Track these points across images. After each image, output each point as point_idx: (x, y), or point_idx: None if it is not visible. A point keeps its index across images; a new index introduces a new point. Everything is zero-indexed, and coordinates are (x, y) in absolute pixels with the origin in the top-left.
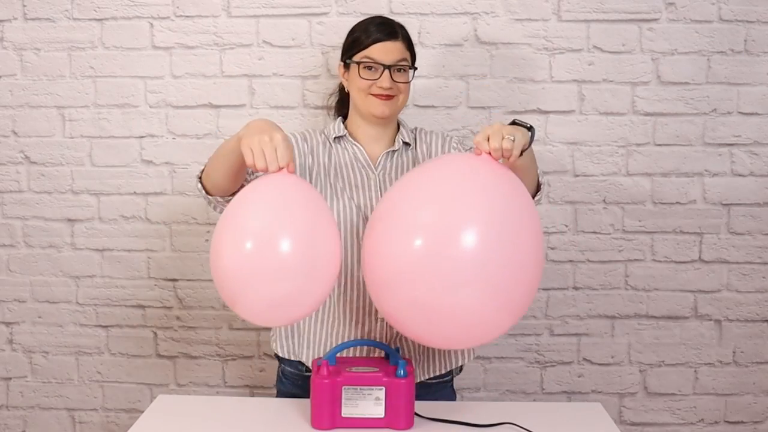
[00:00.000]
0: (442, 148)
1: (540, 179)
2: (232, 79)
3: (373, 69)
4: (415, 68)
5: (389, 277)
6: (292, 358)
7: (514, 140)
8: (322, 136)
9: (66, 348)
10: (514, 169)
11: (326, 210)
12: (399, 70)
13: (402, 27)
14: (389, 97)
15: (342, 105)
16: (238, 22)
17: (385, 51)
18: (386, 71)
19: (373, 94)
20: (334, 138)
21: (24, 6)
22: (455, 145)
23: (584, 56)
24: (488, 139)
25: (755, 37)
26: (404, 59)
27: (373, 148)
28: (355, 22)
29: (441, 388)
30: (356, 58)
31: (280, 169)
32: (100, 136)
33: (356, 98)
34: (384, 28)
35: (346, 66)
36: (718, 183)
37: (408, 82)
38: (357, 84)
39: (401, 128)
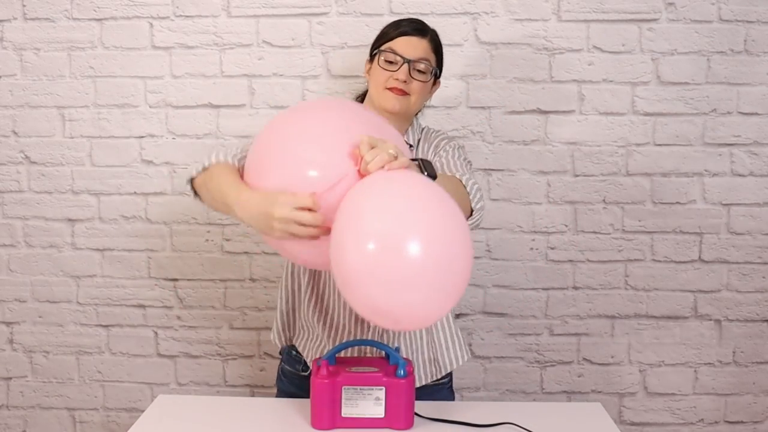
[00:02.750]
0: (435, 150)
1: (472, 205)
2: (232, 79)
3: (393, 62)
4: (437, 73)
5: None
6: (286, 344)
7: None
8: None
9: (66, 347)
10: None
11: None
12: (419, 70)
13: (434, 32)
14: (402, 93)
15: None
16: (238, 22)
17: (408, 45)
18: (405, 65)
19: (388, 88)
20: None
21: (24, 6)
22: (448, 149)
23: (584, 56)
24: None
25: (755, 37)
26: (426, 59)
27: None
28: (355, 22)
29: (438, 390)
30: (381, 47)
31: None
32: (100, 136)
33: (373, 92)
34: (414, 24)
35: (372, 59)
36: (718, 183)
37: (425, 82)
38: (376, 76)
39: (409, 129)
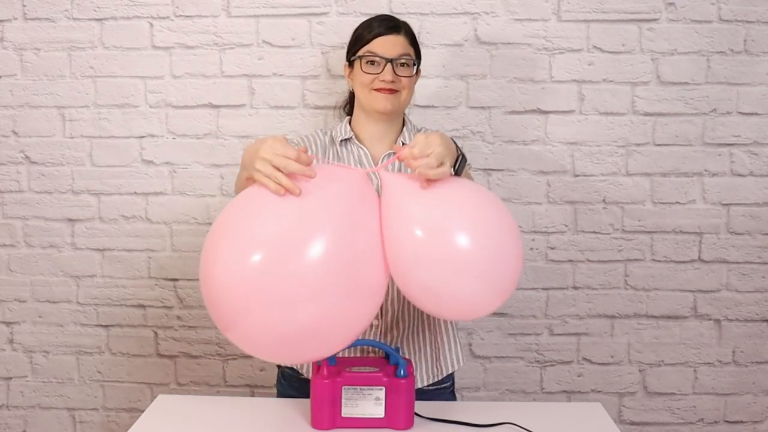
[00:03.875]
0: None
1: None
2: (232, 79)
3: (375, 63)
4: (418, 64)
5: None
6: (284, 364)
7: (441, 166)
8: (327, 136)
9: (66, 348)
10: None
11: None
12: (402, 65)
13: (406, 24)
14: (392, 92)
15: (352, 108)
16: (238, 22)
17: (387, 44)
18: (389, 65)
19: (376, 89)
20: (341, 141)
21: (24, 6)
22: None
23: (584, 56)
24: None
25: (755, 37)
26: (407, 54)
27: (377, 148)
28: (355, 22)
29: (440, 394)
30: (359, 53)
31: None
32: (101, 136)
33: (360, 95)
34: (386, 23)
35: (351, 64)
36: (717, 183)
37: (411, 77)
38: (360, 79)
39: (404, 129)
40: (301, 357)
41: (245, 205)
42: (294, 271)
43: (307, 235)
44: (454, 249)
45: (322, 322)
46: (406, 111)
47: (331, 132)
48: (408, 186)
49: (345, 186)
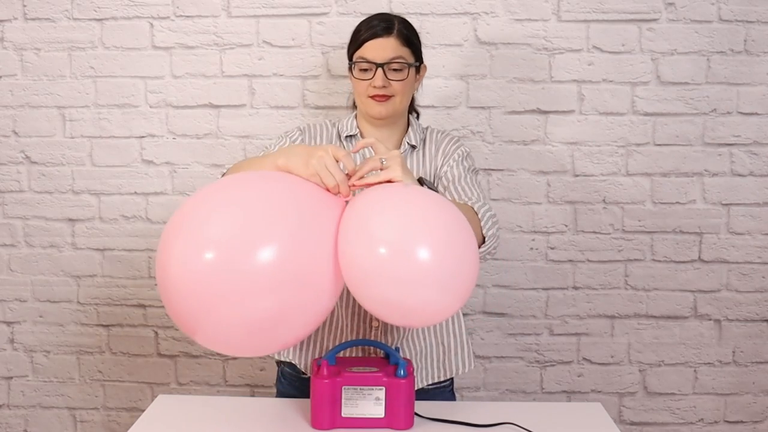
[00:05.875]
0: (443, 157)
1: (483, 232)
2: (232, 79)
3: (367, 70)
4: (417, 65)
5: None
6: (282, 359)
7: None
8: (334, 129)
9: (67, 347)
10: None
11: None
12: (394, 69)
13: (403, 22)
14: (385, 98)
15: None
16: (238, 22)
17: (377, 49)
18: (379, 70)
19: (370, 96)
20: (346, 136)
21: (24, 6)
22: (456, 157)
23: (584, 56)
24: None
25: (755, 37)
26: (399, 57)
27: None
28: (355, 22)
29: (439, 393)
30: (354, 58)
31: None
32: (101, 136)
33: (357, 101)
34: (378, 24)
35: (351, 67)
36: (717, 183)
37: (403, 80)
38: (356, 86)
39: (409, 129)
40: (269, 347)
41: (197, 205)
42: (247, 267)
43: (258, 234)
44: (415, 264)
45: (282, 311)
46: (414, 106)
47: (338, 125)
48: (367, 199)
49: (305, 190)
